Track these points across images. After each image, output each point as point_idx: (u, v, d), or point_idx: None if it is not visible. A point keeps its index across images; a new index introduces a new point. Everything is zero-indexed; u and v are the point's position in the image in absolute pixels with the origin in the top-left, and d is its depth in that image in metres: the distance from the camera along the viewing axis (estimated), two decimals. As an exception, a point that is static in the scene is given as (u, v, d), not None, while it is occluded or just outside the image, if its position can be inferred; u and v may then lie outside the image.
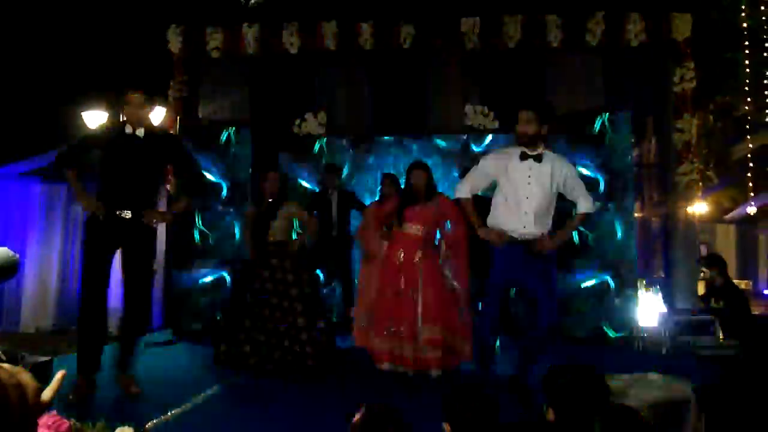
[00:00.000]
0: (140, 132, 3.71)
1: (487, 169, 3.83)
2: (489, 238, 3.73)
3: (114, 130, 3.78)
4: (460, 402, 1.99)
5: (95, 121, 8.52)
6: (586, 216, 3.85)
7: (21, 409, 0.67)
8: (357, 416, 1.69)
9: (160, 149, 3.80)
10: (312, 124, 7.02)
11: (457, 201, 4.06)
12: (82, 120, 8.48)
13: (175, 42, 7.04)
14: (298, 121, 7.02)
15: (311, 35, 6.88)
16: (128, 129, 3.71)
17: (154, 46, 7.21)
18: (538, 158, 3.67)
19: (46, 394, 0.72)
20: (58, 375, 0.77)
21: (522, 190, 3.68)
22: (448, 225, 4.48)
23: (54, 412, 1.61)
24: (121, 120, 3.80)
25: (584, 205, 3.77)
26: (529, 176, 3.67)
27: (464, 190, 3.90)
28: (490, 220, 3.80)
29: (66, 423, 1.59)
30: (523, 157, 3.68)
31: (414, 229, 4.47)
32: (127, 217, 3.64)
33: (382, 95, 7.13)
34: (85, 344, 3.62)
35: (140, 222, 3.67)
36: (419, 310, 4.27)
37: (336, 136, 7.06)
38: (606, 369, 3.51)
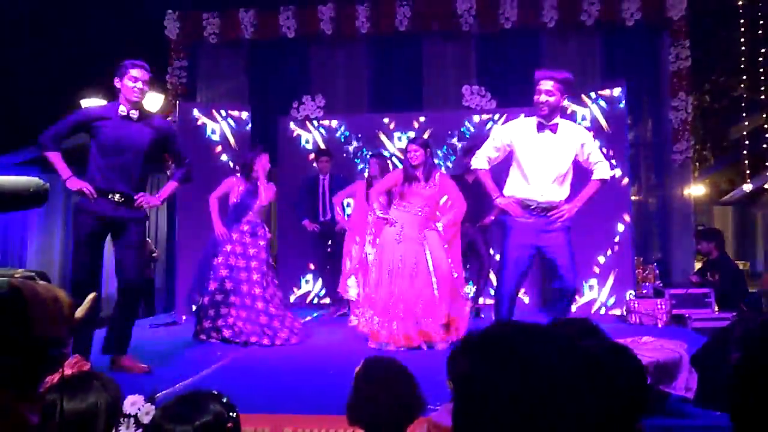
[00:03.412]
0: (134, 114, 3.62)
1: (503, 139, 3.84)
2: (507, 208, 3.76)
3: (106, 111, 3.67)
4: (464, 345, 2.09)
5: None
6: (603, 182, 3.84)
7: (58, 320, 0.72)
8: (359, 367, 1.75)
9: (154, 133, 3.70)
10: (310, 106, 7.05)
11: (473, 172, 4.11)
12: (82, 107, 8.49)
13: (172, 28, 7.07)
14: (296, 104, 7.06)
15: (308, 19, 6.90)
16: (122, 110, 3.60)
17: (152, 33, 7.23)
18: (555, 128, 3.71)
19: (80, 311, 0.77)
20: (90, 296, 0.83)
21: (539, 160, 3.70)
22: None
23: (77, 357, 1.67)
24: (118, 100, 3.64)
25: (601, 171, 3.78)
26: (546, 146, 3.70)
27: (481, 161, 3.90)
28: (507, 190, 3.82)
29: (88, 364, 1.65)
30: (540, 128, 3.72)
31: (415, 208, 4.54)
32: (117, 200, 3.59)
33: (379, 77, 7.17)
34: (78, 328, 3.64)
35: (131, 205, 3.63)
36: (434, 285, 4.35)
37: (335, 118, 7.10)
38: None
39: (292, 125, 7.11)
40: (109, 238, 3.76)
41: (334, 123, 7.10)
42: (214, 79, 7.23)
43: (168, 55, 7.09)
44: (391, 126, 7.00)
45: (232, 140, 6.59)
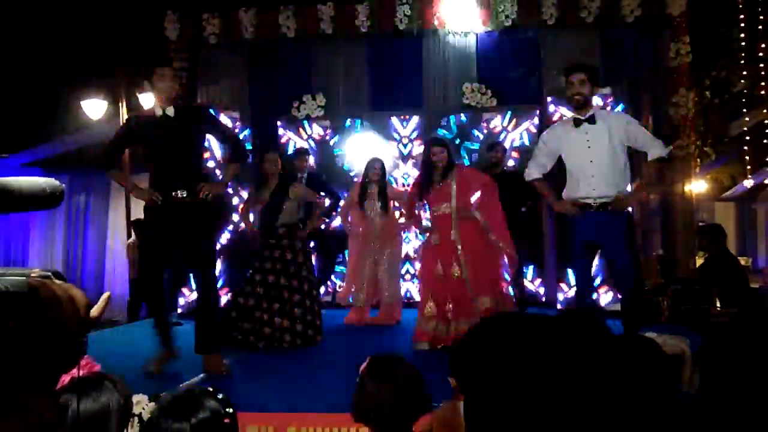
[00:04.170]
0: (170, 111, 3.67)
1: (547, 145, 3.86)
2: (563, 210, 3.77)
3: (145, 118, 3.77)
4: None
5: (95, 110, 8.55)
6: (661, 160, 3.79)
7: (74, 320, 0.73)
8: (364, 365, 1.76)
9: (194, 123, 3.76)
10: (310, 105, 7.06)
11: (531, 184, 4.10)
12: (82, 109, 8.52)
13: (172, 29, 7.07)
14: (296, 104, 7.07)
15: (308, 18, 6.90)
16: (158, 111, 3.68)
17: (152, 34, 7.25)
18: (592, 120, 3.68)
19: (95, 311, 0.79)
20: (105, 296, 0.85)
21: (584, 155, 3.68)
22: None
23: (88, 357, 1.68)
24: (146, 107, 3.80)
25: (655, 151, 3.70)
26: (588, 140, 3.68)
27: (533, 173, 3.94)
28: (565, 193, 3.83)
29: (97, 366, 1.66)
30: (577, 123, 3.71)
31: (442, 208, 4.52)
32: (184, 197, 3.63)
33: (379, 76, 7.17)
34: (159, 322, 3.75)
35: (197, 200, 3.66)
36: (468, 285, 4.34)
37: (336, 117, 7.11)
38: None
39: (281, 131, 7.12)
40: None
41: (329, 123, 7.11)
42: (215, 80, 7.23)
43: (168, 56, 7.09)
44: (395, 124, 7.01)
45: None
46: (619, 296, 3.90)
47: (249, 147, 6.36)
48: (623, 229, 3.71)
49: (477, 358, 0.88)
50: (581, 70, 3.66)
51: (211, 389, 1.38)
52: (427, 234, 4.73)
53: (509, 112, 6.80)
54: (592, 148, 3.67)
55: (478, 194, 4.60)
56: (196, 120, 3.77)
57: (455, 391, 2.18)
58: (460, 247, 4.40)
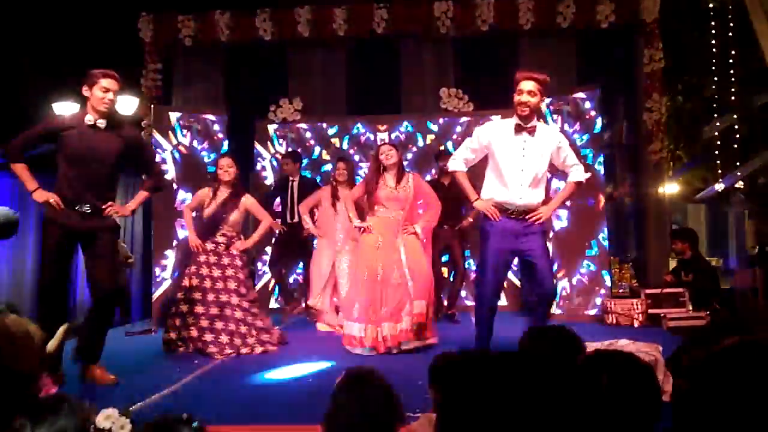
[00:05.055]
0: (102, 123, 3.55)
1: (481, 140, 3.83)
2: (483, 209, 3.75)
3: (73, 120, 3.60)
4: (447, 364, 2.12)
5: (66, 112, 8.38)
6: (578, 185, 3.87)
7: (30, 356, 0.71)
8: (339, 378, 1.75)
9: (121, 144, 3.63)
10: (287, 110, 7.02)
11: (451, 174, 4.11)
12: (53, 111, 8.35)
13: (146, 30, 6.96)
14: (273, 107, 7.02)
15: (285, 21, 6.86)
16: (89, 119, 3.54)
17: (125, 35, 7.12)
18: (532, 131, 3.71)
19: (51, 345, 0.76)
20: (62, 328, 0.82)
21: (517, 162, 3.70)
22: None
23: (46, 376, 1.63)
24: (84, 109, 3.60)
25: (576, 174, 3.80)
26: (524, 149, 3.70)
27: (458, 163, 3.90)
28: (485, 194, 3.82)
29: (55, 388, 1.61)
30: (518, 130, 3.72)
31: (392, 214, 4.54)
32: (85, 210, 3.54)
33: (357, 80, 7.16)
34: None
35: (100, 215, 3.57)
36: (410, 286, 4.37)
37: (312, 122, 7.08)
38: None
39: (259, 132, 7.07)
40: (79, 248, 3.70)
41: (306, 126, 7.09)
42: (190, 82, 7.14)
43: (142, 58, 6.99)
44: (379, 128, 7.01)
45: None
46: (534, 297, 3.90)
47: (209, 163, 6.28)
48: (542, 236, 3.77)
49: (455, 396, 0.88)
50: (532, 79, 3.64)
51: (185, 416, 1.36)
52: (361, 233, 4.66)
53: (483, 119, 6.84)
54: (526, 158, 3.70)
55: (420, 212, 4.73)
56: (124, 141, 3.65)
57: (434, 402, 2.19)
58: (403, 253, 4.43)
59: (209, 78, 7.14)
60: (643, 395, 1.44)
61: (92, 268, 3.63)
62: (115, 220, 3.77)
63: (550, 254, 3.86)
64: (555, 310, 5.82)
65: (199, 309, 4.60)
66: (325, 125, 7.09)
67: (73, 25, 7.89)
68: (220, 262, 4.69)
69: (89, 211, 3.55)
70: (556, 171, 3.95)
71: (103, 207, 3.59)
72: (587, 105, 6.25)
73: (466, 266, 6.18)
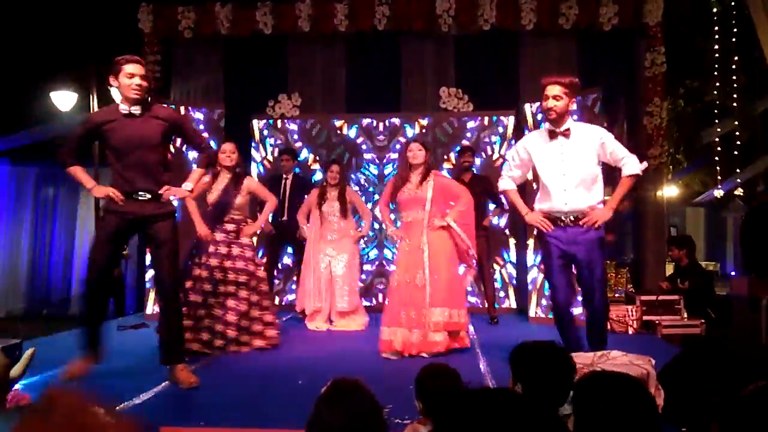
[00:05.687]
0: (136, 110, 3.47)
1: (520, 155, 3.82)
2: (533, 222, 3.73)
3: (110, 113, 3.54)
4: (430, 379, 2.10)
5: (64, 101, 8.35)
6: (634, 177, 3.69)
7: None
8: (325, 387, 1.72)
9: (162, 126, 3.56)
10: (286, 105, 6.98)
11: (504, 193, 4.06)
12: (51, 101, 8.31)
13: (146, 21, 6.91)
14: (272, 102, 6.97)
15: (285, 15, 6.81)
16: (123, 108, 3.48)
17: (125, 25, 7.07)
18: (567, 133, 3.65)
19: (16, 370, 0.73)
20: (28, 352, 0.79)
21: (557, 168, 3.65)
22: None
23: (16, 387, 1.61)
24: (117, 100, 3.53)
25: (630, 167, 3.61)
26: (561, 153, 3.65)
27: (505, 183, 3.90)
28: (537, 204, 3.79)
29: (27, 397, 1.59)
30: (552, 135, 3.68)
31: (414, 215, 4.48)
32: (145, 198, 3.51)
33: (356, 77, 7.10)
34: (90, 324, 3.61)
35: (158, 200, 3.54)
36: (427, 293, 4.31)
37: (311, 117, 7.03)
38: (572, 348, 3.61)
39: (259, 124, 7.03)
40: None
41: (309, 124, 7.04)
42: (189, 75, 7.10)
43: (142, 50, 6.94)
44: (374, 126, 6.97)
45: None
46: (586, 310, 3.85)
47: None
48: (595, 244, 3.63)
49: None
50: (557, 83, 3.62)
51: None
52: (398, 240, 4.68)
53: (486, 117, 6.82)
54: (565, 162, 3.65)
55: (452, 203, 4.57)
56: (164, 122, 3.58)
57: (419, 414, 2.17)
58: (427, 255, 4.38)
59: (208, 71, 7.10)
60: (642, 420, 1.42)
61: (155, 258, 3.64)
62: (173, 206, 3.71)
63: (604, 263, 3.72)
64: (551, 314, 5.81)
65: (208, 299, 4.50)
66: (312, 128, 7.00)
67: (72, 15, 7.84)
68: (230, 254, 4.59)
69: (147, 197, 3.52)
70: (612, 169, 3.83)
71: (160, 192, 3.54)
72: (589, 107, 6.21)
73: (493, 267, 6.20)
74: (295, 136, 7.02)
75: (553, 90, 3.61)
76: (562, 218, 3.67)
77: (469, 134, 6.83)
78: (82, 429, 0.60)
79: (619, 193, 3.71)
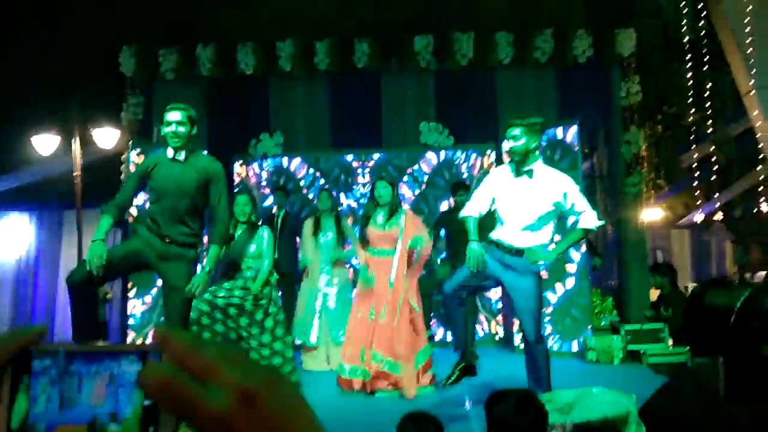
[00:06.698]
0: (180, 156, 3.53)
1: (487, 186, 3.88)
2: (471, 255, 3.65)
3: (158, 156, 3.66)
4: (411, 425, 2.11)
5: (45, 145, 8.31)
6: (586, 232, 3.79)
7: None
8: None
9: (196, 175, 3.56)
10: (268, 143, 7.02)
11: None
12: (31, 144, 8.28)
13: (127, 63, 6.96)
14: (253, 141, 7.01)
15: (266, 55, 6.89)
16: (169, 153, 3.55)
17: (107, 67, 7.11)
18: (530, 173, 3.70)
19: None
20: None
21: (512, 204, 3.70)
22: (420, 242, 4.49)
23: None
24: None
25: (586, 221, 3.68)
26: (521, 192, 3.70)
27: (468, 210, 3.92)
28: (491, 235, 3.83)
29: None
30: (518, 172, 3.75)
31: (382, 250, 4.49)
32: (168, 242, 3.53)
33: (338, 114, 7.18)
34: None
35: (182, 246, 3.54)
36: (394, 330, 4.33)
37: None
38: (556, 381, 3.61)
39: (238, 166, 7.06)
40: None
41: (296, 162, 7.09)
42: (171, 116, 7.12)
43: (124, 91, 6.97)
44: (353, 163, 7.02)
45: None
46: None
47: None
48: (532, 276, 3.65)
49: None
50: (514, 125, 3.68)
51: None
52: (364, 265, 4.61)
53: (467, 152, 6.90)
54: (522, 201, 3.69)
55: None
56: (199, 172, 3.58)
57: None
58: (393, 292, 4.39)
59: (190, 111, 7.12)
60: None
61: (165, 300, 3.62)
62: (196, 252, 3.66)
63: (538, 298, 3.75)
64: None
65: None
66: (292, 163, 7.06)
67: (54, 57, 7.87)
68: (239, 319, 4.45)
69: (169, 242, 3.54)
70: (565, 216, 3.88)
71: (187, 243, 3.56)
72: (567, 138, 6.31)
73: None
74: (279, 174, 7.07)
75: (512, 132, 3.67)
76: (507, 249, 3.70)
77: (454, 170, 6.89)
78: None
79: (568, 242, 3.81)
